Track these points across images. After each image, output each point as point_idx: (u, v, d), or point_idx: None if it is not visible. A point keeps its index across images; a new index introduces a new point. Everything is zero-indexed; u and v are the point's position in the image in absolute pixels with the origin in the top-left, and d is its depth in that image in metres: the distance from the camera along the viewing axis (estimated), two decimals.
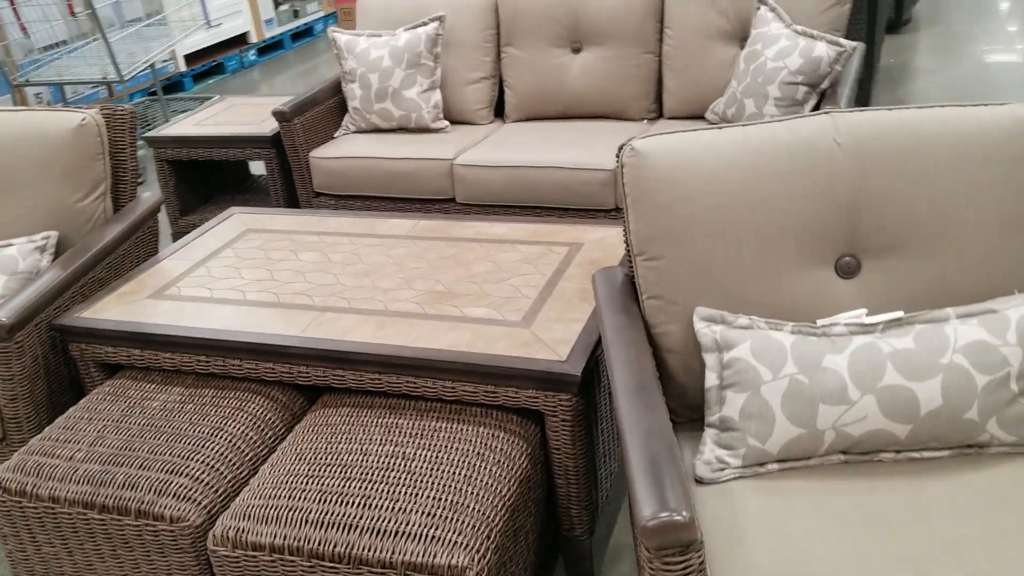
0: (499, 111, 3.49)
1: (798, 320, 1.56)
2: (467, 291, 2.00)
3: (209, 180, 3.70)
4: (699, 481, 1.49)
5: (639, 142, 1.58)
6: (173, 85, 6.22)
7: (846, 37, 3.03)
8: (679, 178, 1.55)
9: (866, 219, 1.53)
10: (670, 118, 3.25)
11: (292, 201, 3.39)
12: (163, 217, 3.97)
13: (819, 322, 1.53)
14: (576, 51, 3.30)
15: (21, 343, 1.99)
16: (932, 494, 1.40)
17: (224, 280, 2.17)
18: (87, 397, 1.98)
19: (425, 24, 3.31)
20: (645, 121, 3.27)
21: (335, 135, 3.42)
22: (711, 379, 1.52)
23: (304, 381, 1.90)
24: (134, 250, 2.45)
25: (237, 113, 3.64)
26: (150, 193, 2.55)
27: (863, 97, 4.44)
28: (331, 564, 1.52)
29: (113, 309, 2.09)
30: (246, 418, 1.86)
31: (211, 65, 6.52)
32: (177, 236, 3.58)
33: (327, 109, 3.38)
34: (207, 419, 1.85)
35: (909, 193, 1.52)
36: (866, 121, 1.54)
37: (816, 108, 2.73)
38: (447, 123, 3.37)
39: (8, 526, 1.79)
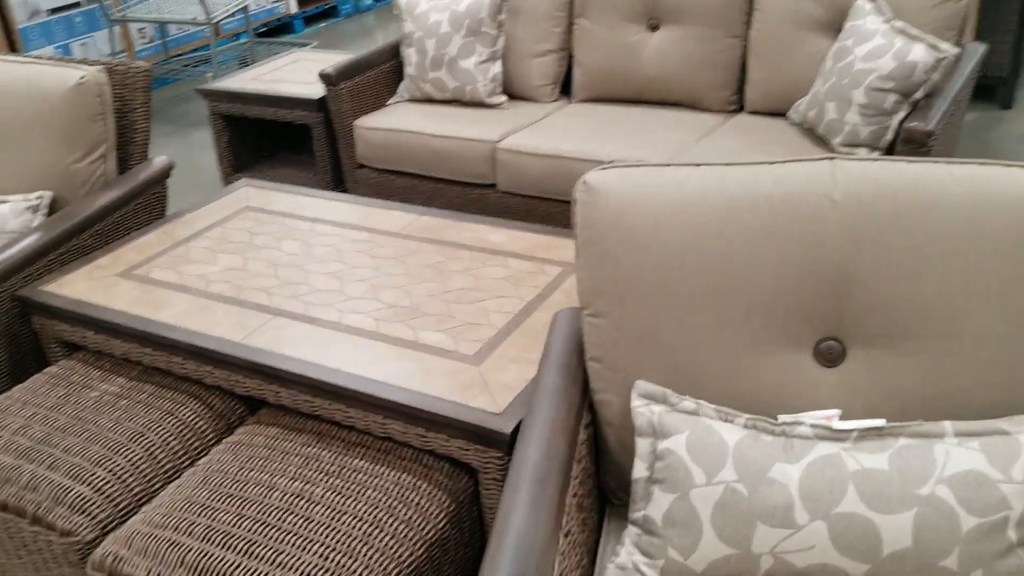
0: (567, 88, 3.22)
1: (759, 411, 1.27)
2: (433, 310, 1.79)
3: (269, 137, 3.60)
4: None
5: (594, 175, 1.32)
6: (283, 27, 6.18)
7: (976, 39, 2.60)
8: (631, 223, 1.28)
9: (858, 297, 1.22)
10: (751, 112, 2.90)
11: (336, 170, 3.23)
12: (215, 173, 3.91)
13: (781, 418, 1.24)
14: (653, 28, 2.98)
15: None
16: None
17: (196, 264, 2.04)
18: (32, 378, 1.89)
19: None
20: (723, 114, 2.94)
21: (387, 103, 3.23)
22: (639, 469, 1.27)
23: (242, 391, 1.74)
24: (136, 215, 2.35)
25: (302, 69, 3.50)
26: (162, 157, 2.45)
27: (982, 119, 3.92)
28: None
29: (79, 285, 1.99)
30: (175, 424, 1.72)
31: (324, 8, 6.44)
32: None
33: (381, 74, 3.19)
34: (135, 420, 1.72)
35: (916, 271, 1.20)
36: (875, 174, 1.23)
37: (903, 121, 2.35)
38: (505, 99, 3.12)
39: None
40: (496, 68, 3.08)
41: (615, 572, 1.25)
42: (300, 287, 1.91)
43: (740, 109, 2.95)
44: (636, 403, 1.29)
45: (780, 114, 2.84)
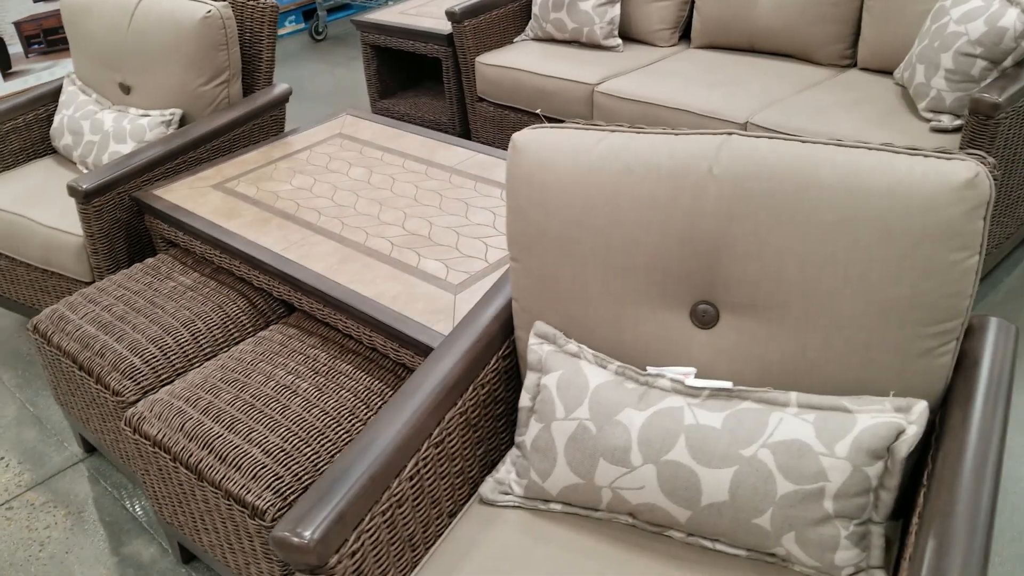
0: (689, 33, 3.22)
1: (636, 361, 1.38)
2: (444, 240, 1.97)
3: (413, 67, 3.85)
4: (481, 499, 1.42)
5: (521, 134, 1.44)
6: None
7: None
8: (540, 180, 1.40)
9: (728, 267, 1.29)
10: (863, 69, 2.81)
11: (461, 101, 3.44)
12: (364, 98, 4.22)
13: (648, 369, 1.35)
14: None
15: (100, 207, 2.32)
16: None
17: (274, 182, 2.33)
18: (134, 266, 2.27)
19: None
20: (835, 68, 2.86)
21: (514, 40, 3.38)
22: (524, 399, 1.42)
23: (277, 295, 2.02)
24: (254, 134, 2.68)
25: (447, 4, 3.71)
26: (282, 85, 2.75)
27: None
28: (184, 469, 1.68)
29: (180, 192, 2.34)
30: (221, 316, 2.04)
31: None
32: None
33: (509, 13, 3.33)
34: (192, 308, 2.05)
35: (778, 249, 1.25)
36: (756, 151, 1.27)
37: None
38: (620, 42, 3.18)
39: (40, 360, 2.16)
40: (614, 11, 3.14)
41: (491, 483, 1.42)
42: (346, 209, 2.15)
43: (854, 65, 2.85)
44: (532, 341, 1.43)
45: (889, 72, 2.73)
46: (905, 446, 1.17)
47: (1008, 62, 2.21)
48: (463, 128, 3.50)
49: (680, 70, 2.93)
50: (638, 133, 1.38)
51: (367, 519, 1.22)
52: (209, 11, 2.53)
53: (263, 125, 2.71)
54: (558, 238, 1.39)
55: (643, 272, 1.34)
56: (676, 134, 1.35)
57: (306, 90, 4.60)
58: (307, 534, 1.14)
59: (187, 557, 2.00)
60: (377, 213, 2.12)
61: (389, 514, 1.26)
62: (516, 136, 1.44)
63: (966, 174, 1.16)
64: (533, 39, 3.35)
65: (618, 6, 3.15)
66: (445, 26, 3.39)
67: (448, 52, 3.37)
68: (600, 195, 1.35)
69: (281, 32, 5.60)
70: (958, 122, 2.28)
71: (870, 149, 1.24)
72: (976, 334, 1.33)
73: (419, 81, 3.89)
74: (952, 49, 2.27)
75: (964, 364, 1.28)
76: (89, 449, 2.38)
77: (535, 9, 3.28)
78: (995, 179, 1.24)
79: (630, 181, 1.33)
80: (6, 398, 2.62)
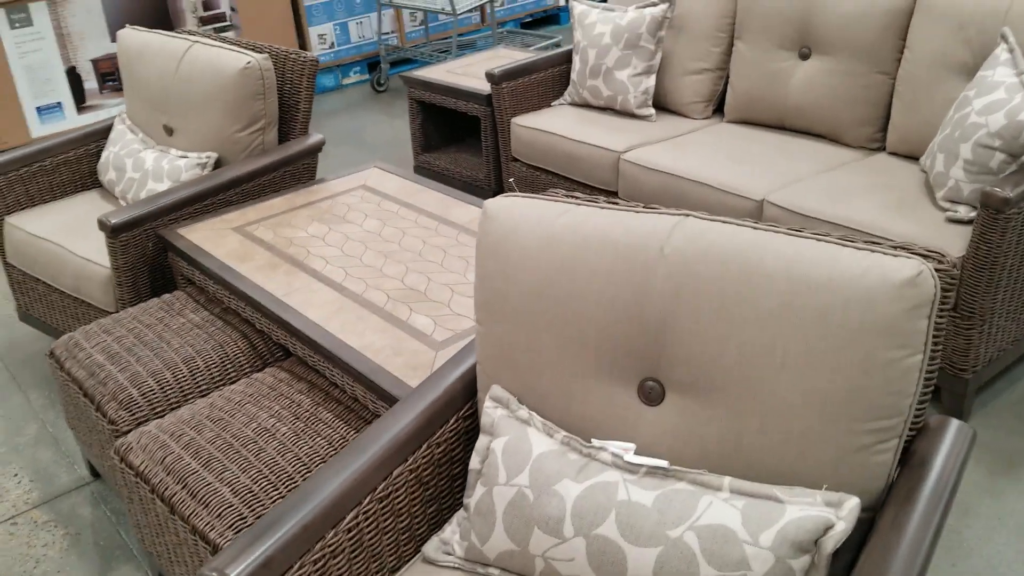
0: (723, 107, 3.25)
1: (584, 432, 1.39)
2: (437, 297, 2.01)
3: (457, 123, 3.95)
4: (424, 558, 1.43)
5: (493, 201, 1.48)
6: (549, 18, 6.53)
7: None
8: (507, 249, 1.43)
9: (671, 347, 1.30)
10: (891, 153, 2.79)
11: (496, 160, 3.51)
12: (407, 150, 4.32)
13: (593, 441, 1.35)
14: (804, 57, 2.94)
15: (126, 242, 2.42)
16: None
17: (290, 228, 2.41)
18: (151, 300, 2.36)
19: (653, 5, 3.16)
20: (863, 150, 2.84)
21: (552, 103, 3.45)
22: (474, 461, 1.43)
23: (276, 339, 2.08)
24: (285, 180, 2.78)
25: (493, 64, 3.80)
26: (317, 136, 2.85)
27: None
28: (160, 502, 1.73)
29: (201, 232, 2.43)
30: (220, 355, 2.10)
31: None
32: (417, 170, 3.90)
33: (548, 77, 3.41)
34: (195, 345, 2.12)
35: (720, 334, 1.25)
36: (706, 234, 1.29)
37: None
38: (653, 112, 3.22)
39: (56, 384, 2.25)
40: (649, 82, 3.19)
41: (436, 542, 1.43)
42: (352, 260, 2.21)
43: (882, 148, 2.83)
44: (487, 404, 1.45)
45: (917, 158, 2.70)
46: (832, 541, 1.16)
47: None
48: (497, 186, 3.56)
49: (708, 143, 2.95)
50: (600, 208, 1.40)
51: (296, 566, 1.25)
52: (249, 62, 2.65)
53: (294, 172, 2.81)
54: (518, 307, 1.42)
55: (594, 345, 1.36)
56: (636, 211, 1.37)
57: (365, 139, 4.74)
58: (230, 574, 1.17)
59: None
60: (381, 266, 2.18)
61: (322, 563, 1.29)
62: (487, 203, 1.48)
63: (908, 272, 1.16)
64: (570, 104, 3.41)
65: (653, 77, 3.19)
66: (486, 86, 3.48)
67: (487, 111, 3.45)
68: (558, 267, 1.38)
69: (345, 82, 5.78)
70: (973, 214, 2.25)
71: (819, 240, 1.24)
72: (931, 435, 1.31)
73: (462, 138, 3.98)
74: (972, 140, 2.25)
75: (910, 464, 1.26)
76: (95, 474, 2.46)
77: (573, 75, 3.34)
78: (951, 279, 1.23)
79: (586, 255, 1.36)
80: (30, 418, 2.73)
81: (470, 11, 5.15)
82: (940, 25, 2.58)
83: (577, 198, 1.45)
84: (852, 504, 1.18)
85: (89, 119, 4.75)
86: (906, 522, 1.16)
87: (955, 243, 2.19)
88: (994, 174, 2.22)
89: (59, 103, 4.69)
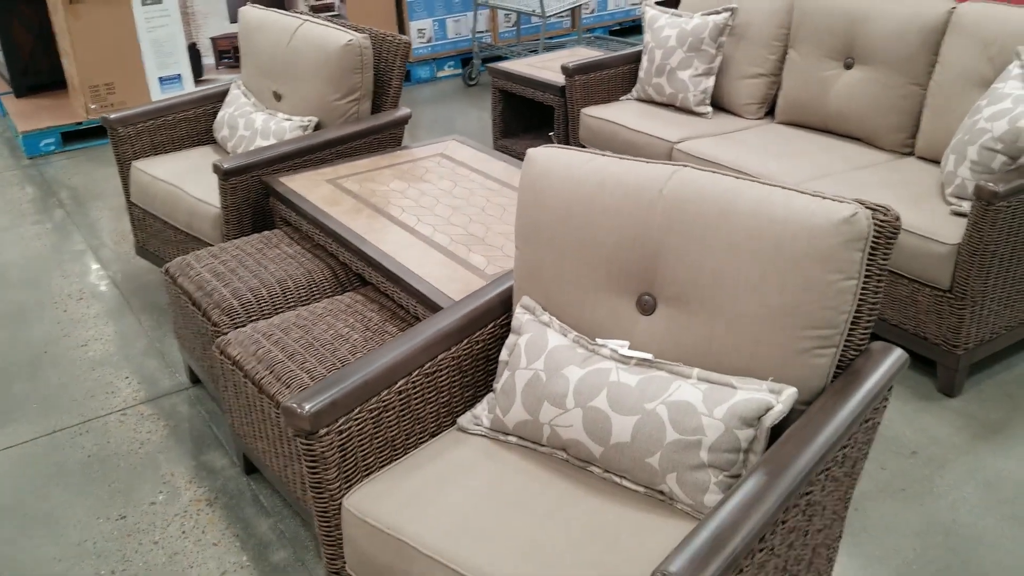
0: (774, 110, 3.53)
1: (592, 333, 1.73)
2: (493, 242, 2.37)
3: (535, 112, 4.31)
4: (457, 427, 1.79)
5: (534, 150, 1.83)
6: (637, 28, 6.85)
7: None
8: (541, 186, 1.78)
9: (663, 269, 1.63)
10: (919, 157, 3.05)
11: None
12: (489, 137, 4.69)
13: (598, 340, 1.69)
14: (848, 67, 3.22)
15: (235, 185, 2.85)
16: (597, 517, 1.55)
17: (376, 183, 2.80)
18: (253, 235, 2.77)
19: (717, 13, 3.48)
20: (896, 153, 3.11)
21: (621, 98, 3.78)
22: (504, 354, 1.79)
23: (355, 269, 2.47)
24: (373, 145, 3.18)
25: (570, 60, 4.15)
26: (405, 109, 3.24)
27: None
28: (251, 384, 2.12)
29: (299, 182, 2.84)
30: (307, 279, 2.50)
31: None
32: None
33: (618, 73, 3.74)
34: (287, 270, 2.52)
35: (699, 258, 1.58)
36: (697, 181, 1.62)
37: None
38: (711, 110, 3.53)
39: (168, 297, 2.68)
40: (708, 82, 3.50)
41: (468, 416, 1.79)
42: (425, 210, 2.59)
43: (912, 153, 3.09)
44: (517, 310, 1.80)
45: (939, 162, 2.96)
46: (770, 419, 1.47)
47: (1023, 159, 2.44)
48: None
49: (754, 140, 3.25)
50: (617, 159, 1.74)
51: (356, 411, 1.62)
52: (351, 40, 3.06)
53: (383, 140, 3.20)
54: (547, 233, 1.77)
55: (604, 265, 1.70)
56: (645, 162, 1.71)
57: (453, 126, 5.14)
58: (306, 406, 1.54)
59: (249, 469, 2.45)
60: (448, 216, 2.55)
61: (376, 414, 1.66)
62: (530, 151, 1.83)
63: (845, 212, 1.47)
64: (636, 99, 3.74)
65: (712, 78, 3.50)
66: (562, 79, 3.83)
67: (560, 102, 3.80)
68: (579, 202, 1.72)
69: (440, 74, 6.20)
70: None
71: (782, 189, 1.56)
72: (871, 355, 1.61)
73: (538, 126, 4.34)
74: (978, 143, 2.51)
75: (847, 372, 1.56)
76: (194, 380, 2.88)
77: (641, 73, 3.67)
78: (894, 228, 1.53)
79: (602, 194, 1.70)
80: (140, 335, 3.18)
81: (560, 15, 5.51)
82: (969, 43, 2.84)
83: (602, 152, 1.79)
84: (790, 392, 1.49)
85: None
86: (830, 408, 1.47)
87: (956, 233, 2.46)
88: (995, 173, 2.48)
89: (179, 75, 5.21)
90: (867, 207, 1.51)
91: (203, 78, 5.27)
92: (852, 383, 1.53)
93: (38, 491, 2.42)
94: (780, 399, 1.49)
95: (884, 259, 1.54)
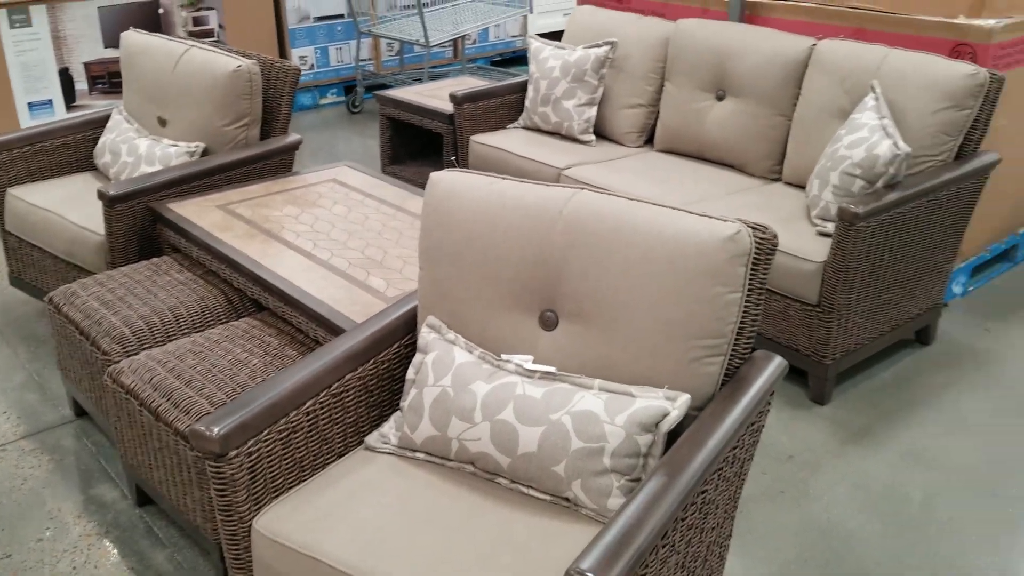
0: (653, 138, 3.71)
1: (496, 350, 1.79)
2: (393, 265, 2.42)
3: (422, 139, 4.38)
4: (365, 446, 1.82)
5: (437, 173, 1.90)
6: (518, 59, 7.02)
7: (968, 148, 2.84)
8: (445, 208, 1.85)
9: (563, 286, 1.72)
10: (786, 183, 3.26)
11: None
12: (376, 163, 4.74)
13: (503, 356, 1.76)
14: (720, 98, 3.42)
15: (121, 212, 2.79)
16: (506, 527, 1.60)
17: (268, 209, 2.80)
18: (141, 262, 2.73)
19: (599, 46, 3.63)
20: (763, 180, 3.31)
21: (508, 126, 3.89)
22: (410, 372, 1.83)
23: (251, 295, 2.46)
24: (264, 171, 3.17)
25: (457, 88, 4.24)
26: (294, 136, 3.25)
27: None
28: (147, 412, 2.09)
29: (188, 208, 2.81)
30: (201, 306, 2.48)
31: None
32: None
33: (506, 102, 3.85)
34: (179, 298, 2.49)
35: (597, 275, 1.67)
36: (594, 203, 1.71)
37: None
38: (594, 138, 3.68)
39: (52, 327, 2.60)
40: (591, 112, 3.64)
41: (376, 435, 1.82)
42: (320, 235, 2.61)
43: (779, 179, 3.30)
44: (423, 330, 1.85)
45: (803, 187, 3.18)
46: (667, 424, 1.57)
47: (880, 183, 2.65)
48: None
49: (635, 166, 3.40)
50: (519, 182, 1.83)
51: (264, 432, 1.63)
52: (239, 65, 3.05)
53: (273, 165, 3.20)
54: (451, 253, 1.83)
55: (506, 283, 1.77)
56: (545, 185, 1.80)
57: (337, 153, 5.14)
58: (215, 429, 1.55)
59: (142, 501, 2.40)
60: (345, 240, 2.57)
61: (285, 435, 1.67)
62: (433, 174, 1.89)
63: (729, 231, 1.59)
64: (523, 127, 3.86)
65: (595, 108, 3.65)
66: (450, 107, 3.91)
67: (449, 129, 3.88)
68: (482, 222, 1.79)
69: (323, 102, 6.20)
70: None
71: (672, 209, 1.67)
72: (754, 363, 1.73)
73: (425, 153, 4.41)
74: (839, 169, 2.72)
75: (734, 380, 1.68)
76: (79, 413, 2.80)
77: (527, 102, 3.79)
78: (772, 245, 1.66)
79: (504, 214, 1.78)
80: (17, 368, 3.06)
81: (443, 45, 5.60)
82: (827, 77, 3.07)
83: (502, 176, 1.87)
84: (684, 399, 1.59)
85: None
86: (720, 413, 1.57)
87: (821, 251, 2.64)
88: (854, 196, 2.69)
89: (50, 100, 5.04)
90: (749, 226, 1.64)
91: (76, 104, 5.11)
92: (739, 389, 1.65)
93: None
94: (675, 405, 1.59)
95: (764, 273, 1.67)
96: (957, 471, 2.52)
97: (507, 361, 1.74)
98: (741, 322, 1.67)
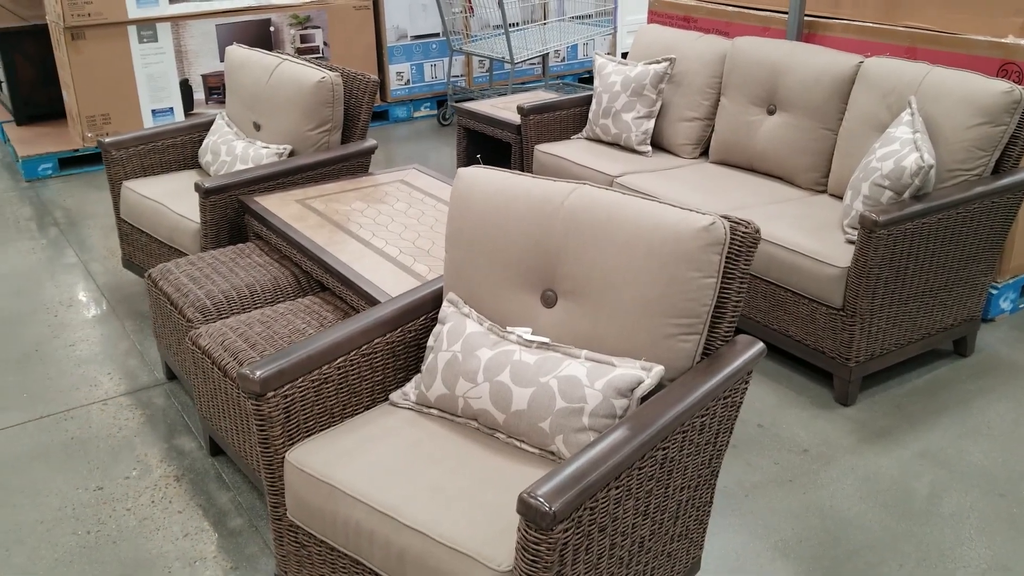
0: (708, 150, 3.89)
1: (502, 322, 2.04)
2: (439, 254, 2.69)
3: (496, 148, 4.66)
4: (388, 401, 2.09)
5: (463, 169, 2.16)
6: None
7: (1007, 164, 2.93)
8: (465, 199, 2.11)
9: (562, 268, 1.95)
10: (831, 195, 3.40)
11: None
12: (455, 169, 5.04)
13: (508, 328, 2.01)
14: (771, 112, 3.58)
15: (214, 203, 3.17)
16: (495, 470, 1.85)
17: (340, 203, 3.12)
18: (228, 247, 3.09)
19: (658, 63, 3.85)
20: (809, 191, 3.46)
21: (572, 136, 4.14)
22: (430, 340, 2.09)
23: (316, 277, 2.78)
24: (342, 171, 3.51)
25: (530, 101, 4.51)
26: (371, 141, 3.58)
27: None
28: (217, 369, 2.42)
29: (271, 201, 3.16)
30: (272, 284, 2.81)
31: None
32: None
33: (571, 115, 4.10)
34: (255, 275, 2.83)
35: (591, 260, 1.90)
36: (592, 195, 1.94)
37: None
38: (651, 149, 3.88)
39: (148, 299, 2.98)
40: (649, 124, 3.85)
41: (398, 392, 2.09)
42: (380, 227, 2.91)
43: (824, 191, 3.44)
44: (444, 304, 2.12)
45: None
46: (640, 390, 1.78)
47: (907, 194, 2.77)
48: None
49: (686, 176, 3.59)
50: (529, 177, 2.07)
51: (299, 380, 1.92)
52: (323, 77, 3.40)
53: (350, 167, 3.53)
54: (469, 238, 2.09)
55: (513, 265, 2.02)
56: (552, 180, 2.04)
57: (427, 161, 5.49)
58: (257, 373, 1.85)
59: (215, 451, 2.74)
60: (400, 232, 2.87)
61: (316, 384, 1.96)
62: (460, 169, 2.16)
63: (705, 222, 1.80)
64: (585, 138, 4.10)
65: (653, 120, 3.86)
66: (513, 117, 4.18)
67: (517, 139, 4.15)
68: (495, 212, 2.05)
69: (416, 115, 6.58)
70: None
71: (659, 203, 1.89)
72: (734, 345, 1.92)
73: (498, 161, 4.69)
74: (870, 180, 2.85)
75: (711, 357, 1.88)
76: (170, 377, 3.18)
77: (590, 115, 4.03)
78: (753, 239, 1.86)
79: (514, 205, 2.02)
80: (123, 337, 3.47)
81: (531, 62, 5.89)
82: (871, 92, 3.20)
83: (517, 172, 2.12)
84: (658, 369, 1.80)
85: None
86: (689, 383, 1.78)
87: (846, 257, 2.79)
88: (882, 206, 2.82)
89: (171, 108, 5.56)
90: (730, 220, 1.84)
91: (193, 112, 5.62)
92: (713, 365, 1.84)
93: (23, 467, 2.70)
94: (650, 375, 1.80)
95: (746, 264, 1.87)
96: (969, 471, 2.62)
97: (510, 332, 1.98)
98: (721, 307, 1.87)
